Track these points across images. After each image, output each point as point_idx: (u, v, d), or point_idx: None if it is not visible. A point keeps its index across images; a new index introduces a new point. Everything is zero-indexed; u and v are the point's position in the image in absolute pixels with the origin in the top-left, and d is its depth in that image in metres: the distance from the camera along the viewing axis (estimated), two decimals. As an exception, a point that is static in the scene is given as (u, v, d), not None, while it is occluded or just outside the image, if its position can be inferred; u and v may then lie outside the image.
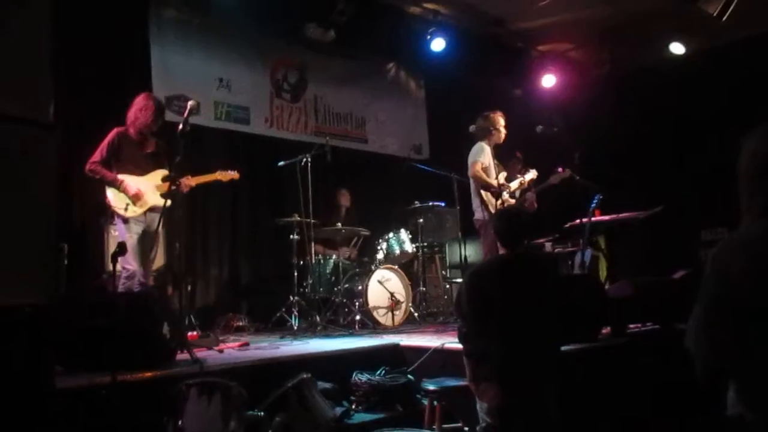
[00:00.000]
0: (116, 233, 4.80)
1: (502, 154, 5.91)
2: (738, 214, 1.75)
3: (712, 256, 1.70)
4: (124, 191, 4.57)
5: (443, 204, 6.75)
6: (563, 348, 3.73)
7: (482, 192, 5.59)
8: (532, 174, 5.87)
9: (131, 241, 4.53)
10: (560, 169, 5.93)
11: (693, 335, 1.71)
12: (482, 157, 5.62)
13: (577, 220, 5.96)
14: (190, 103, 4.41)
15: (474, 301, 3.25)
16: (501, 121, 5.83)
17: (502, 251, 3.54)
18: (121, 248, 3.26)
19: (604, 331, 4.38)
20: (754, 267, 1.61)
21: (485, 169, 5.60)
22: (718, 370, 1.70)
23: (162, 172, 4.69)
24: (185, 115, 4.36)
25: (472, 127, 5.61)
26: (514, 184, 5.76)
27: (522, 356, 3.10)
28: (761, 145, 1.71)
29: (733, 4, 5.56)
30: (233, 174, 5.04)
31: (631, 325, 4.67)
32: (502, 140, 5.87)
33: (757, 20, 6.60)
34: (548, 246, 6.75)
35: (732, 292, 1.63)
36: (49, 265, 2.87)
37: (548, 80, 8.31)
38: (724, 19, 5.85)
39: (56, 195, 2.75)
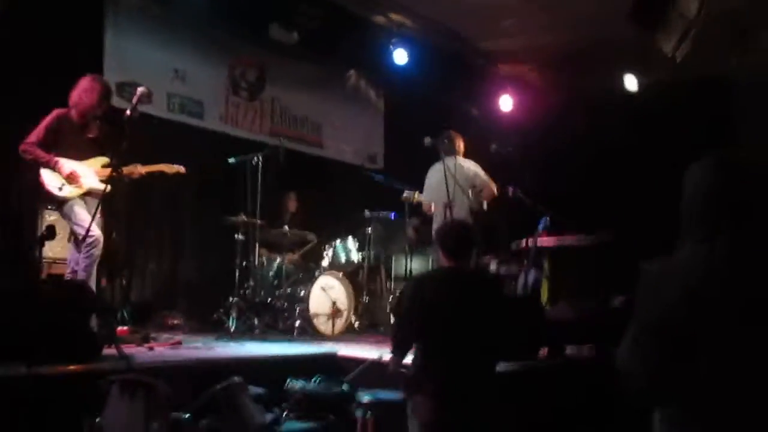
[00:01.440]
0: (51, 218, 4.59)
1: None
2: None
3: (647, 279, 1.71)
4: (58, 171, 4.37)
5: (393, 215, 6.72)
6: (500, 367, 3.73)
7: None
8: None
9: (82, 211, 4.35)
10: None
11: (624, 356, 1.72)
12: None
13: (524, 241, 6.02)
14: (140, 90, 4.26)
15: (414, 306, 3.21)
16: (457, 141, 5.96)
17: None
18: (50, 231, 3.10)
19: (541, 352, 4.41)
20: (686, 292, 1.63)
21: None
22: (646, 393, 1.71)
23: (103, 159, 4.52)
24: (134, 101, 4.22)
25: (426, 140, 5.59)
26: None
27: (460, 372, 3.06)
28: (703, 176, 1.75)
29: (685, 44, 5.70)
30: (179, 168, 4.86)
31: (568, 348, 4.71)
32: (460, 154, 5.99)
33: (708, 65, 6.82)
34: (494, 265, 6.78)
35: (664, 316, 1.65)
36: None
37: (506, 102, 8.40)
38: (678, 58, 6.00)
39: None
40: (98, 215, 4.30)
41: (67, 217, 4.43)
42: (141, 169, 4.66)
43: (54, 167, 4.38)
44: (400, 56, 7.28)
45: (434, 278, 3.41)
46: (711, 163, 1.76)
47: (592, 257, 6.18)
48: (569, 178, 8.03)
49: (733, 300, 1.60)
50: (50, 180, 4.38)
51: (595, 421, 3.96)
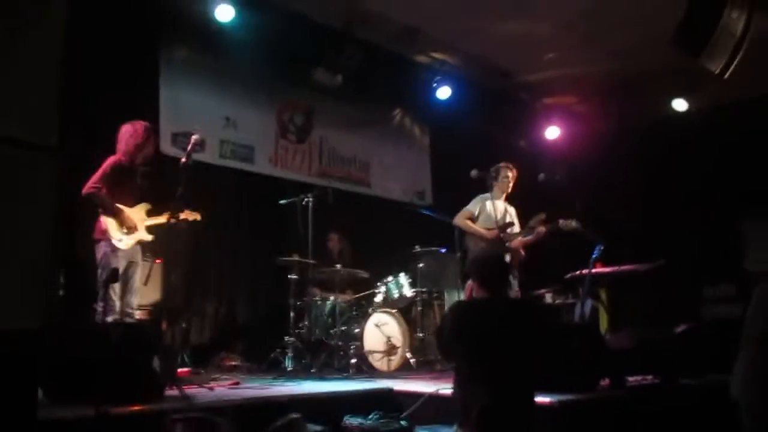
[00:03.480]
0: (98, 256, 4.59)
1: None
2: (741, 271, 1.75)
3: (757, 298, 1.66)
4: (122, 221, 4.51)
5: (444, 250, 6.72)
6: (561, 397, 3.66)
7: (467, 239, 5.81)
8: (515, 228, 5.89)
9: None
10: (561, 221, 5.88)
11: (741, 382, 1.62)
12: (472, 206, 5.87)
13: (578, 271, 5.93)
14: (194, 137, 4.41)
15: (456, 333, 3.18)
16: (506, 173, 5.91)
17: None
18: (114, 275, 3.22)
19: (602, 382, 4.30)
20: None
21: (474, 218, 5.84)
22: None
23: (146, 206, 4.65)
24: (189, 149, 4.37)
25: (473, 173, 5.63)
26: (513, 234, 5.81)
27: (502, 401, 3.01)
28: None
29: (735, 63, 5.61)
30: (195, 215, 4.82)
31: (631, 378, 4.58)
32: (509, 190, 5.95)
33: (758, 83, 6.69)
34: (549, 297, 6.69)
35: None
36: (43, 292, 2.83)
37: (552, 132, 8.38)
38: (726, 77, 5.91)
39: (54, 219, 2.73)
40: (154, 261, 4.43)
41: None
42: (187, 216, 4.71)
43: (117, 216, 4.52)
44: (444, 92, 7.39)
45: (476, 306, 3.35)
46: None
47: (650, 285, 6.05)
48: (620, 205, 7.91)
49: None
50: (113, 230, 4.49)
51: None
